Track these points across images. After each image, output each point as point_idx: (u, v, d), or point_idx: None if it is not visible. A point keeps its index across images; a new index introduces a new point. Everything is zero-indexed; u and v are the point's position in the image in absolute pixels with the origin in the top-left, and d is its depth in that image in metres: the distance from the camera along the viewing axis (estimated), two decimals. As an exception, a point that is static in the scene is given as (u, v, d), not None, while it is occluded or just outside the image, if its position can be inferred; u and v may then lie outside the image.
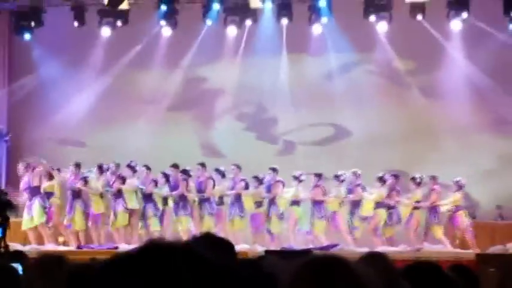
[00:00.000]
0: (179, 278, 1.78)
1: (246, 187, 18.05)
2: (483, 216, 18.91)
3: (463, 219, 17.58)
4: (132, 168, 18.26)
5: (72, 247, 17.76)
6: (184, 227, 17.82)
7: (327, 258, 2.23)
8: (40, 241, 17.91)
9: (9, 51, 21.53)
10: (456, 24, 19.50)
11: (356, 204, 17.94)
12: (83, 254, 14.68)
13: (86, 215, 18.19)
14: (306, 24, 19.87)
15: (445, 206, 17.70)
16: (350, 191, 17.96)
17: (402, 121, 20.07)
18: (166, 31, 20.43)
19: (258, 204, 18.11)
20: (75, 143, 21.30)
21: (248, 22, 20.19)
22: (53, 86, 21.18)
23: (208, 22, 20.18)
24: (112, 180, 18.22)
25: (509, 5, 18.78)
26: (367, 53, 20.51)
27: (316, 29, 20.01)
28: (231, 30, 20.28)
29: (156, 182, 18.18)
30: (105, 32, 20.45)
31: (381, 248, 15.97)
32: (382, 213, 17.80)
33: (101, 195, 18.35)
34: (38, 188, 17.96)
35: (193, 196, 18.12)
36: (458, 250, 17.01)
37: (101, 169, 18.33)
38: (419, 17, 19.30)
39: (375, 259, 4.00)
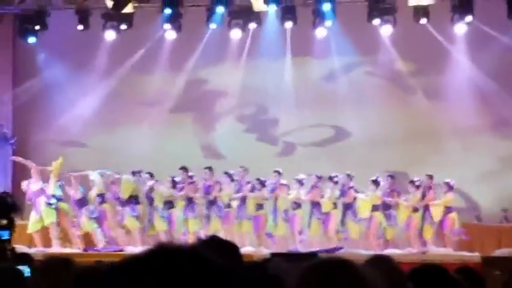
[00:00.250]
0: (186, 281, 1.79)
1: (252, 190, 18.09)
2: (489, 219, 18.90)
3: (452, 223, 17.60)
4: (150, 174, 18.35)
5: (78, 249, 17.77)
6: (192, 229, 17.84)
7: (333, 261, 2.24)
8: (46, 243, 17.91)
9: (14, 55, 21.55)
10: (460, 28, 19.49)
11: (349, 207, 17.96)
12: (88, 257, 14.68)
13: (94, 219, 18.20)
14: (310, 27, 19.88)
15: (437, 207, 17.68)
16: (343, 193, 18.00)
17: (404, 123, 20.10)
18: (171, 34, 20.44)
19: (259, 206, 18.15)
20: (79, 146, 21.33)
21: (252, 25, 20.20)
22: (57, 89, 21.21)
23: (213, 25, 20.18)
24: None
25: (513, 8, 18.76)
26: (371, 56, 20.53)
27: (320, 32, 20.01)
28: (235, 34, 20.29)
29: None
30: (110, 35, 20.46)
31: (386, 251, 15.98)
32: (379, 215, 17.84)
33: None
34: (40, 190, 17.97)
35: (199, 197, 18.16)
36: (464, 253, 16.99)
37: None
38: (423, 20, 19.28)
39: (380, 262, 4.00)
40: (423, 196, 17.76)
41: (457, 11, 19.15)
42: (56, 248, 17.55)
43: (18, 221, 16.11)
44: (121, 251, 17.28)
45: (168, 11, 19.85)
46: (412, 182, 17.88)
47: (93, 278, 3.59)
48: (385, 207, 17.90)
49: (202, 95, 21.30)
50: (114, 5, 19.44)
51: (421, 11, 19.28)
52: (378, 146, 19.88)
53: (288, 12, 19.87)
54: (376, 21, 19.51)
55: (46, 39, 20.64)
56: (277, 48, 20.63)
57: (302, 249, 17.42)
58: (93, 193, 18.30)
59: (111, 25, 20.22)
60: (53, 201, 17.90)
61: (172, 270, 1.79)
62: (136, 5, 20.13)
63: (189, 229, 17.97)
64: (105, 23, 20.21)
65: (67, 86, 21.16)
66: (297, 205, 18.00)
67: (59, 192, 18.17)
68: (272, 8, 19.86)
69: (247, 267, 4.06)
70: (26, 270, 4.44)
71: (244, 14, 20.05)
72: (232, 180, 18.22)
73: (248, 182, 18.13)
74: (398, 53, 20.19)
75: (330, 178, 18.05)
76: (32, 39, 20.55)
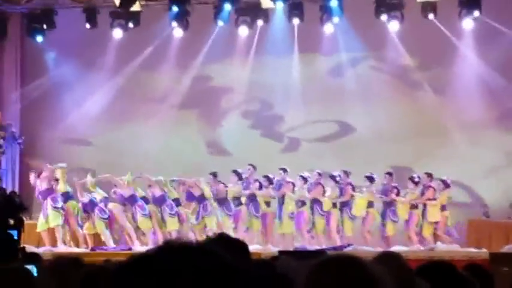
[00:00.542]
0: (195, 278, 1.79)
1: (260, 187, 18.09)
2: (496, 215, 18.85)
3: (444, 222, 17.63)
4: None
5: (86, 249, 17.80)
6: (209, 226, 17.83)
7: (342, 259, 2.23)
8: (54, 243, 17.94)
9: (22, 54, 21.57)
10: (468, 23, 19.44)
11: (345, 204, 17.99)
12: (96, 256, 14.70)
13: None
14: (317, 23, 19.86)
15: (434, 207, 17.68)
16: (341, 190, 18.01)
17: (411, 118, 20.06)
18: (178, 32, 20.44)
19: (266, 204, 18.16)
20: (87, 144, 21.36)
21: (259, 22, 20.19)
22: (65, 88, 21.23)
23: (220, 23, 20.17)
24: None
25: (521, 3, 18.74)
26: (379, 52, 20.50)
27: (328, 28, 19.99)
28: (243, 31, 20.28)
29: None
30: (117, 33, 20.47)
31: (393, 248, 15.97)
32: (374, 212, 17.87)
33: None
34: (46, 191, 18.01)
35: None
36: (472, 249, 16.96)
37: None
38: (430, 16, 19.25)
39: (389, 259, 4.00)
40: (422, 194, 17.79)
41: (465, 6, 19.12)
42: (64, 248, 17.56)
43: (27, 220, 16.20)
44: (129, 250, 17.31)
45: (175, 8, 19.85)
46: (411, 178, 17.91)
47: (101, 277, 3.60)
48: (387, 204, 17.93)
49: (210, 92, 21.29)
50: (121, 3, 19.47)
51: (429, 6, 19.26)
52: (385, 141, 19.86)
53: (295, 8, 19.85)
54: (384, 17, 19.49)
55: (54, 38, 20.67)
56: (284, 45, 20.60)
57: (309, 246, 17.41)
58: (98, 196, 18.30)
59: (119, 23, 20.24)
60: (59, 204, 17.93)
61: (181, 268, 1.79)
62: (143, 3, 20.14)
63: (208, 226, 17.96)
64: (113, 21, 20.23)
65: (75, 84, 21.18)
66: (302, 203, 18.00)
67: (69, 189, 18.26)
68: (279, 5, 19.84)
69: (255, 265, 4.06)
70: (33, 270, 4.44)
71: (251, 11, 20.05)
72: (241, 178, 18.22)
73: (256, 180, 18.14)
74: (405, 48, 20.15)
75: (332, 177, 18.05)
76: (39, 38, 20.59)
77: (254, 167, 18.32)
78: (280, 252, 14.29)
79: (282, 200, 18.01)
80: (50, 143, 21.05)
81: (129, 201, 18.17)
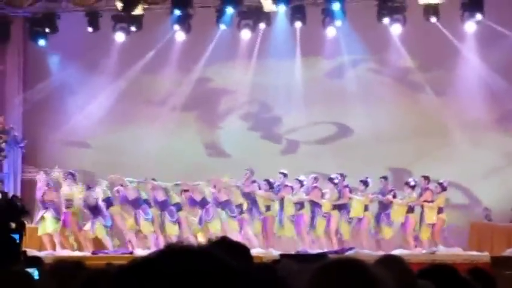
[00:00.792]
0: (197, 282, 1.78)
1: (258, 189, 18.17)
2: (498, 218, 18.83)
3: (441, 224, 17.60)
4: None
5: (87, 253, 17.80)
6: (213, 231, 17.80)
7: (344, 262, 2.23)
8: (56, 247, 17.95)
9: (24, 58, 21.59)
10: (470, 26, 19.44)
11: (344, 206, 18.01)
12: (97, 260, 14.70)
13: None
14: (319, 27, 19.87)
15: (432, 209, 17.66)
16: (339, 193, 18.03)
17: (413, 121, 20.11)
18: (180, 36, 20.46)
19: (267, 208, 18.18)
20: (89, 147, 21.39)
21: (262, 25, 20.20)
22: (67, 92, 21.27)
23: (222, 26, 20.19)
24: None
25: (523, 6, 18.74)
26: (381, 54, 20.52)
27: (330, 31, 19.99)
28: (245, 34, 20.29)
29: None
30: (119, 37, 20.49)
31: (395, 252, 15.96)
32: (370, 215, 17.90)
33: None
34: (43, 201, 18.07)
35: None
36: (474, 253, 16.95)
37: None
38: (433, 19, 19.25)
39: (391, 262, 3.99)
40: (420, 196, 17.79)
41: (467, 9, 19.12)
42: (64, 252, 17.57)
43: (28, 224, 16.20)
44: (131, 253, 17.30)
45: (177, 12, 19.85)
46: (407, 183, 17.90)
47: (102, 280, 3.59)
48: (383, 207, 17.94)
49: (211, 95, 21.32)
50: (123, 7, 19.48)
51: (431, 9, 19.25)
52: (385, 143, 19.87)
53: (297, 12, 19.87)
54: (386, 20, 19.50)
55: (56, 41, 20.71)
56: (286, 48, 20.63)
57: (311, 250, 17.41)
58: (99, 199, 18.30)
59: (121, 27, 20.26)
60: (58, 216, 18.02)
61: (182, 271, 1.79)
62: (146, 6, 20.15)
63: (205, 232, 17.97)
64: (115, 24, 20.25)
65: (77, 88, 21.21)
66: (301, 205, 18.02)
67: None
68: (281, 8, 19.85)
69: (256, 268, 4.05)
70: (35, 273, 4.45)
71: (253, 15, 20.06)
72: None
73: (254, 181, 18.16)
74: (407, 51, 20.17)
75: (330, 179, 18.08)
76: (42, 42, 20.63)
77: (252, 172, 18.34)
78: (282, 255, 14.28)
79: (282, 204, 18.03)
80: (52, 146, 21.06)
81: (133, 204, 18.17)
